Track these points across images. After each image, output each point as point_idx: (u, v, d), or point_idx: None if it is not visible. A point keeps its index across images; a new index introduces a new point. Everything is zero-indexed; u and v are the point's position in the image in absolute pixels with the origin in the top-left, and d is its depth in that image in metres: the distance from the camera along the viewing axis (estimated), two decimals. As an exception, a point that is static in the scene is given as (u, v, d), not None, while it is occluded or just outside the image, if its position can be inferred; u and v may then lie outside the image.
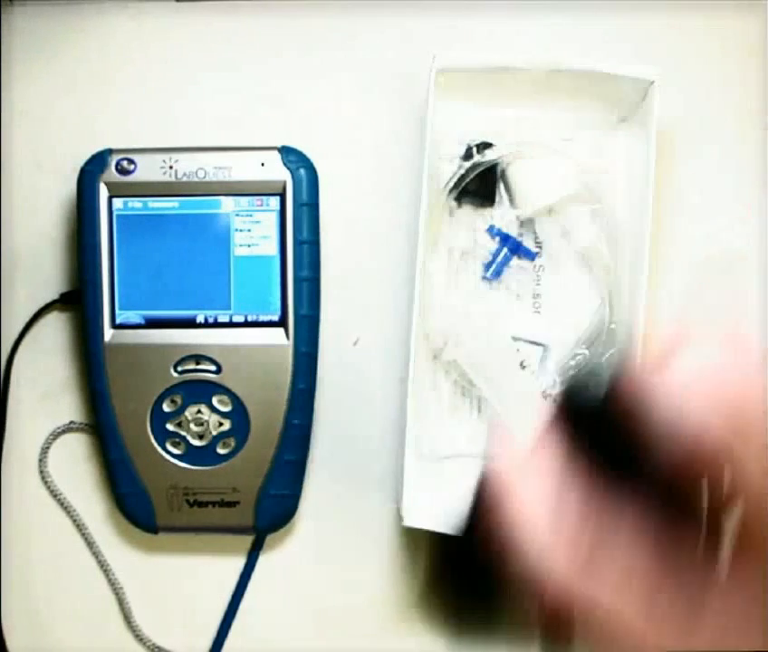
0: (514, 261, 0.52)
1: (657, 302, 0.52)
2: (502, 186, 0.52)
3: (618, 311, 0.51)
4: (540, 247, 0.53)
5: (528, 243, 0.53)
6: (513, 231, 0.52)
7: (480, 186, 0.51)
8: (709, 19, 0.54)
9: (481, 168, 0.51)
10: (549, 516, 0.30)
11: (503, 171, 0.52)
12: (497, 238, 0.52)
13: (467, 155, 0.51)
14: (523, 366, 0.52)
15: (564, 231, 0.52)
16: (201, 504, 0.51)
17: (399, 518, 0.48)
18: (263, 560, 0.54)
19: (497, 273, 0.52)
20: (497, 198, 0.52)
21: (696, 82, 0.54)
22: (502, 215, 0.52)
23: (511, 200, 0.52)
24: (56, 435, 0.54)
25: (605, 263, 0.52)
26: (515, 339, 0.52)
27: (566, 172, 0.51)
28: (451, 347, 0.51)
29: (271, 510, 0.52)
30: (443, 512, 0.50)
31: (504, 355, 0.52)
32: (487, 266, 0.52)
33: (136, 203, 0.50)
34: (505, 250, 0.52)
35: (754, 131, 0.54)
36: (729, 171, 0.54)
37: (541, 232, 0.52)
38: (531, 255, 0.53)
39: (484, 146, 0.51)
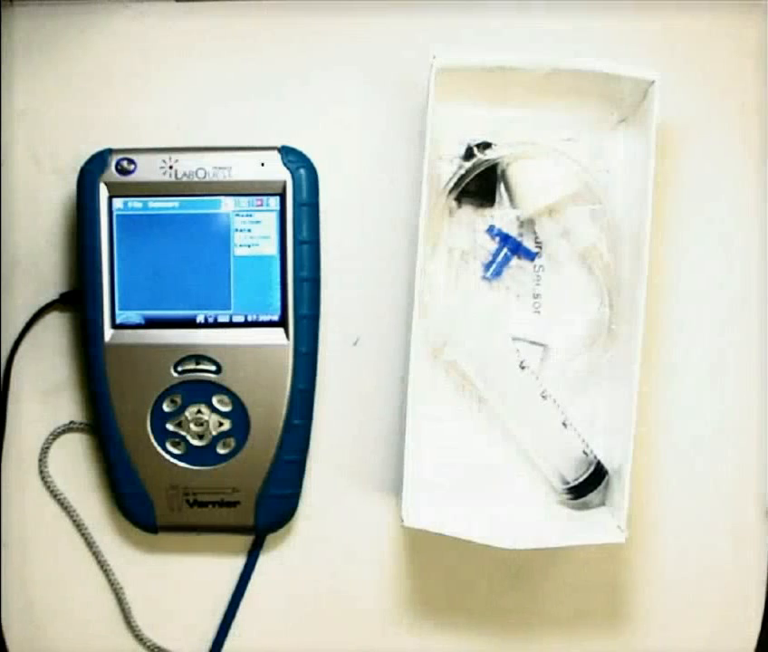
0: (514, 261, 0.52)
1: (657, 302, 0.53)
2: (502, 186, 0.52)
3: (618, 311, 0.51)
4: (540, 247, 0.53)
5: (528, 243, 0.53)
6: (513, 231, 0.52)
7: (480, 186, 0.51)
8: (709, 19, 0.54)
9: (481, 168, 0.51)
10: None
11: (503, 171, 0.52)
12: (497, 238, 0.52)
13: (467, 155, 0.51)
14: (522, 366, 0.51)
15: (564, 231, 0.52)
16: (201, 504, 0.51)
17: (399, 518, 0.48)
18: (263, 560, 0.54)
19: (497, 273, 0.52)
20: (497, 198, 0.52)
21: (696, 82, 0.54)
22: (502, 216, 0.52)
23: (511, 200, 0.52)
24: (56, 435, 0.54)
25: (605, 263, 0.52)
26: (515, 339, 0.52)
27: (566, 172, 0.51)
28: (451, 347, 0.51)
29: (271, 510, 0.52)
30: (443, 513, 0.50)
31: (504, 355, 0.52)
32: (487, 266, 0.52)
33: (136, 203, 0.50)
34: (505, 250, 0.52)
35: (754, 131, 0.54)
36: (729, 171, 0.54)
37: (541, 232, 0.52)
38: (531, 255, 0.53)
39: (485, 146, 0.51)
